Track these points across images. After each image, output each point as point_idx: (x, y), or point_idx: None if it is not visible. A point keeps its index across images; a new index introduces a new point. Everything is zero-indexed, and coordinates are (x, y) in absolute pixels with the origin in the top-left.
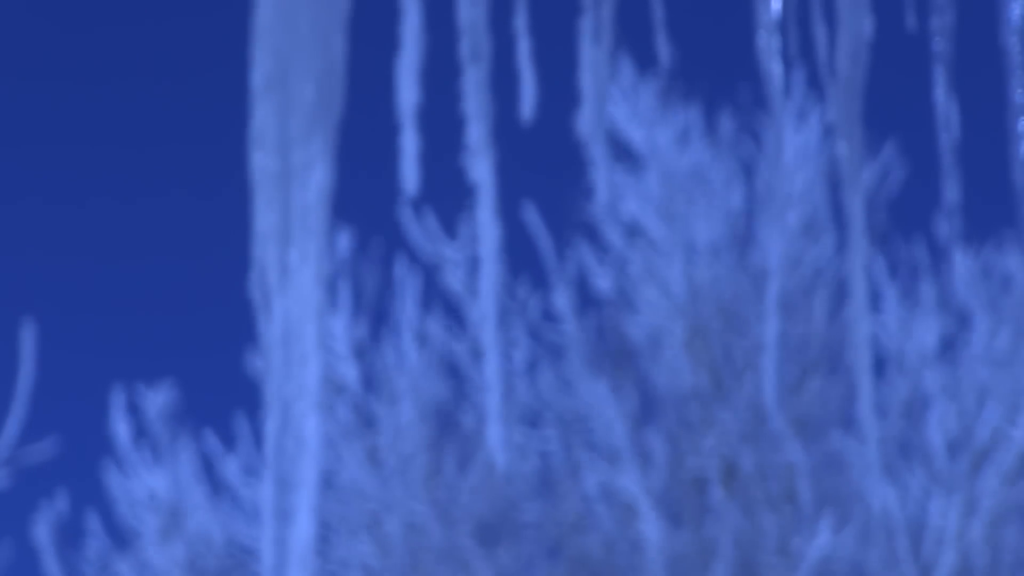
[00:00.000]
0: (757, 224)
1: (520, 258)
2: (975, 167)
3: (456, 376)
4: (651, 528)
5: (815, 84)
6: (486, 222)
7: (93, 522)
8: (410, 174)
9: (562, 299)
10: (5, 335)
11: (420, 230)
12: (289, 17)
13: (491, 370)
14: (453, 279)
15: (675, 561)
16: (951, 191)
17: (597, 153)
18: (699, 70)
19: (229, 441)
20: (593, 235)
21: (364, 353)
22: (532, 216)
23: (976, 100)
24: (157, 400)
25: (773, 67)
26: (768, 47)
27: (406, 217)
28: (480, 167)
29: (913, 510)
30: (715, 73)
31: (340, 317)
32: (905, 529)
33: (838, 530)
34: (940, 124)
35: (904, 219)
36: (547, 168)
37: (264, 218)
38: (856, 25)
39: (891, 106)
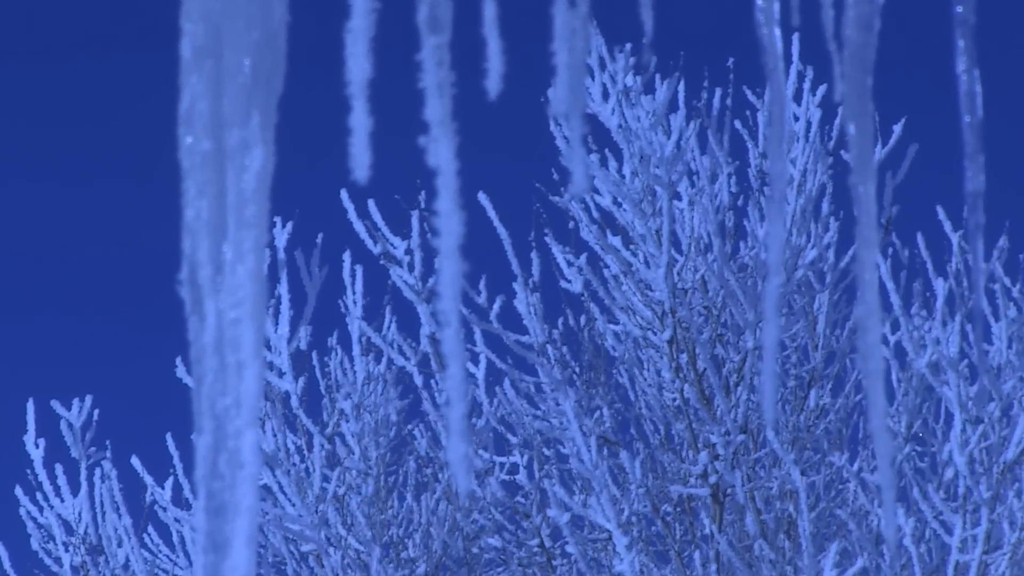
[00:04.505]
0: (749, 216)
1: (477, 256)
2: (998, 151)
3: (410, 390)
4: (628, 564)
5: (818, 55)
6: (447, 213)
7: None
8: (360, 158)
9: (525, 303)
10: None
11: (369, 223)
12: None
13: (452, 382)
14: (406, 279)
15: None
16: (973, 178)
17: (573, 133)
18: (682, 41)
19: (155, 463)
20: (562, 229)
21: (303, 363)
22: (491, 208)
23: (1003, 75)
24: (75, 416)
25: (771, 36)
26: (766, 12)
27: (353, 208)
28: (440, 150)
29: (930, 540)
30: (701, 44)
31: (277, 321)
32: (921, 562)
33: (843, 565)
34: (962, 102)
35: (917, 209)
36: (510, 153)
37: (195, 207)
38: None
39: (906, 81)
